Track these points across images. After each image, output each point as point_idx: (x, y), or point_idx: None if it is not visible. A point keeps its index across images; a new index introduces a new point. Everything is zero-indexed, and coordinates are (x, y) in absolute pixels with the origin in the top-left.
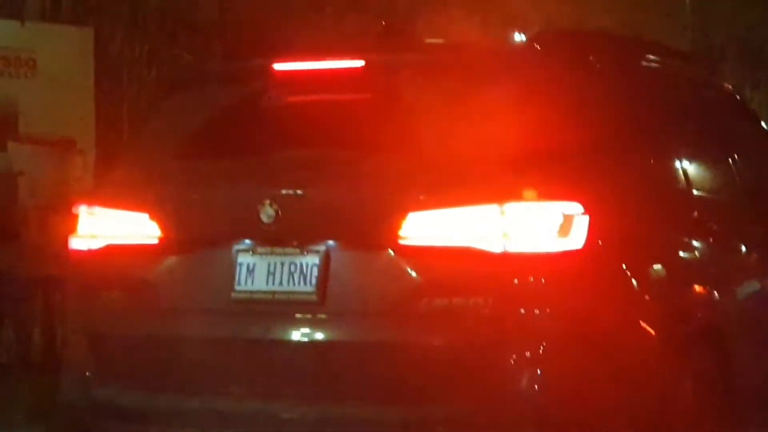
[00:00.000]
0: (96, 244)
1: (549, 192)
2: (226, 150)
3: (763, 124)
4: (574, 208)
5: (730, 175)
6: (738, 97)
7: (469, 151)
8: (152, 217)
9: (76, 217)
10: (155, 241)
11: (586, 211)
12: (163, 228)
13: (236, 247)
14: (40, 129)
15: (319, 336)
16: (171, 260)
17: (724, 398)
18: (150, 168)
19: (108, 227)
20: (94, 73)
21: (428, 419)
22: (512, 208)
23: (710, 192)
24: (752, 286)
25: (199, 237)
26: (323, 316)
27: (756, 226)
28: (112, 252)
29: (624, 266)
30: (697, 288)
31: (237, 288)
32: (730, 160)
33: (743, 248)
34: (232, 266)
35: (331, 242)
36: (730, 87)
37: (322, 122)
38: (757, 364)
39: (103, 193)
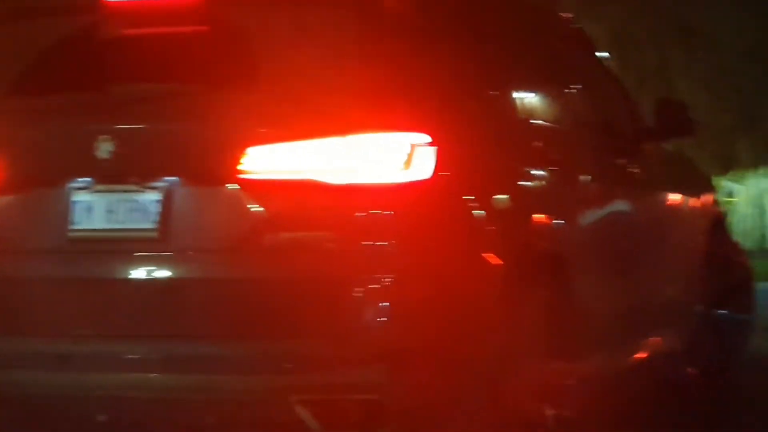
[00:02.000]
0: None
1: (394, 123)
2: (59, 85)
3: (599, 54)
4: (420, 138)
5: (571, 106)
6: (576, 27)
7: (312, 84)
8: None
9: None
10: None
11: (432, 142)
12: None
13: (72, 184)
14: None
15: (161, 274)
16: (5, 200)
17: (568, 325)
18: None
19: None
20: None
21: (275, 355)
22: (356, 139)
23: (552, 122)
24: (593, 213)
25: (34, 175)
26: (165, 253)
27: (596, 157)
28: None
29: (470, 197)
30: (541, 217)
31: (74, 227)
32: (569, 89)
33: (585, 178)
34: (68, 204)
35: (171, 178)
36: (570, 17)
37: (161, 56)
38: (599, 290)
39: None
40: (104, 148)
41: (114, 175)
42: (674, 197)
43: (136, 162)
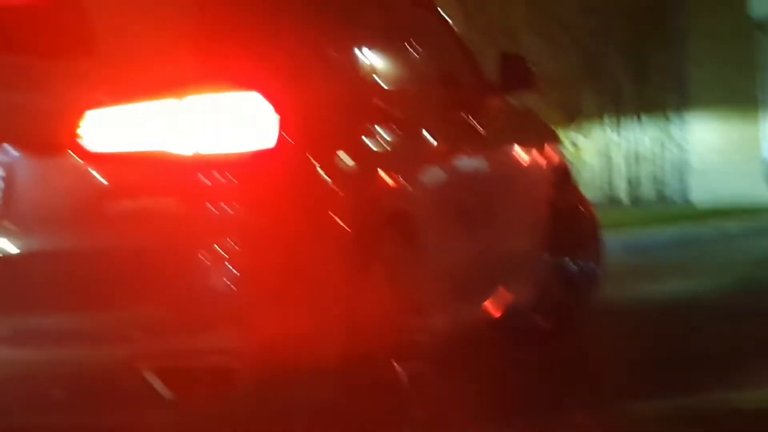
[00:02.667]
0: None
1: (230, 82)
2: None
3: (440, 12)
4: (260, 99)
5: (412, 63)
6: None
7: (146, 46)
8: None
9: None
10: None
11: (272, 102)
12: None
13: None
14: None
15: (5, 247)
16: None
17: (417, 281)
18: None
19: None
20: None
21: (125, 324)
22: (194, 101)
23: (394, 80)
24: (437, 169)
25: None
26: (8, 225)
27: (438, 112)
28: None
29: (312, 158)
30: (385, 176)
31: None
32: (410, 47)
33: (427, 134)
34: None
35: (10, 148)
36: None
37: None
38: (446, 245)
39: None
40: None
41: None
42: (518, 150)
43: None
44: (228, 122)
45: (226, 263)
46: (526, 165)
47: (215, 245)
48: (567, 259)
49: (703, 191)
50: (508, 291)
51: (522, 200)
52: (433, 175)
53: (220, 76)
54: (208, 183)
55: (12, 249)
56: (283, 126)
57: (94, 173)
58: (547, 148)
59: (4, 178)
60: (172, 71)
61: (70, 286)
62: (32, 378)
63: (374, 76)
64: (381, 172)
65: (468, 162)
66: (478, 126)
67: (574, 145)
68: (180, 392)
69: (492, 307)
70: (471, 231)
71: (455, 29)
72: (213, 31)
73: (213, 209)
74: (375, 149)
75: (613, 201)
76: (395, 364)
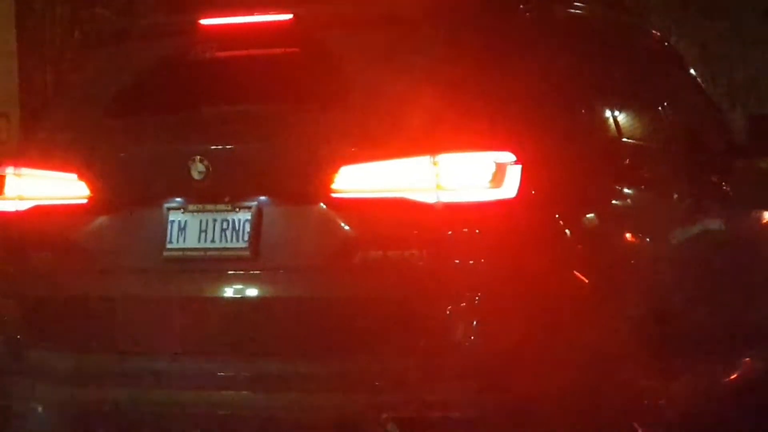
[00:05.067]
0: (24, 206)
1: (480, 142)
2: (154, 107)
3: (690, 70)
4: (506, 157)
5: (660, 122)
6: (666, 43)
7: (401, 103)
8: (80, 177)
9: (2, 179)
10: (84, 201)
11: (518, 160)
12: (92, 188)
13: (167, 204)
14: None
15: (253, 292)
16: (101, 220)
17: (659, 344)
18: (77, 128)
19: (36, 189)
20: (16, 35)
21: (365, 374)
22: (444, 159)
23: (641, 139)
24: (683, 231)
25: (129, 196)
26: (256, 272)
27: (685, 173)
28: (40, 213)
29: (557, 215)
30: (630, 237)
31: (169, 246)
32: (659, 106)
33: (674, 195)
34: (163, 224)
35: (263, 197)
36: (657, 33)
37: (252, 77)
38: (690, 311)
39: (30, 154)
40: (198, 168)
41: (207, 195)
42: (766, 214)
43: (229, 181)
44: (477, 179)
45: (470, 315)
46: None
47: (460, 296)
48: None
49: None
50: (752, 360)
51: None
52: (678, 236)
53: (475, 134)
54: (453, 233)
55: (258, 293)
56: (528, 180)
57: (344, 222)
58: None
59: (252, 221)
60: (427, 128)
61: (314, 332)
62: (275, 422)
63: (622, 133)
64: (625, 232)
65: (714, 225)
66: (725, 187)
67: None
68: None
69: (735, 376)
70: (715, 295)
71: (705, 88)
72: (464, 87)
73: (457, 260)
74: (620, 208)
75: None
76: (634, 426)
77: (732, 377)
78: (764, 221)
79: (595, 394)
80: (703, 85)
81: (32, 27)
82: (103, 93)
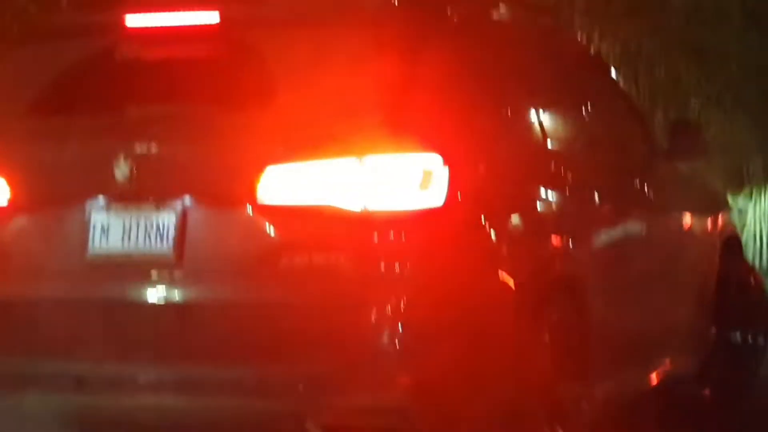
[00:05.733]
0: None
1: (408, 143)
2: (77, 106)
3: (612, 74)
4: (434, 160)
5: (584, 126)
6: (589, 48)
7: (327, 105)
8: (2, 176)
9: None
10: (4, 203)
11: (446, 162)
12: (12, 187)
13: (89, 204)
14: None
15: (177, 296)
16: (22, 221)
17: (582, 347)
18: None
19: None
20: None
21: (289, 379)
22: (371, 160)
23: (565, 143)
24: (606, 235)
25: (51, 196)
26: (180, 275)
27: (608, 177)
28: None
29: (483, 219)
30: (554, 239)
31: (91, 249)
32: (582, 111)
33: (597, 199)
34: (85, 226)
35: (187, 198)
36: (580, 38)
37: (177, 78)
38: (612, 313)
39: None
40: (122, 169)
41: (130, 195)
42: (687, 217)
43: (153, 182)
44: (404, 182)
45: (395, 321)
46: (693, 233)
47: (385, 302)
48: (734, 330)
49: None
50: (673, 361)
51: (689, 268)
52: (601, 239)
53: (401, 136)
54: (379, 241)
55: (182, 297)
56: (455, 186)
57: (269, 226)
58: (715, 216)
59: (177, 224)
60: (354, 129)
61: (238, 337)
62: (199, 427)
63: (546, 135)
64: (550, 235)
65: (636, 228)
66: (647, 191)
67: (740, 211)
68: None
69: (655, 377)
70: (637, 298)
71: (627, 92)
72: (395, 89)
73: (382, 267)
74: (545, 212)
75: None
76: (557, 431)
77: (653, 379)
78: (685, 224)
79: (520, 397)
80: (625, 86)
81: None
82: (25, 91)
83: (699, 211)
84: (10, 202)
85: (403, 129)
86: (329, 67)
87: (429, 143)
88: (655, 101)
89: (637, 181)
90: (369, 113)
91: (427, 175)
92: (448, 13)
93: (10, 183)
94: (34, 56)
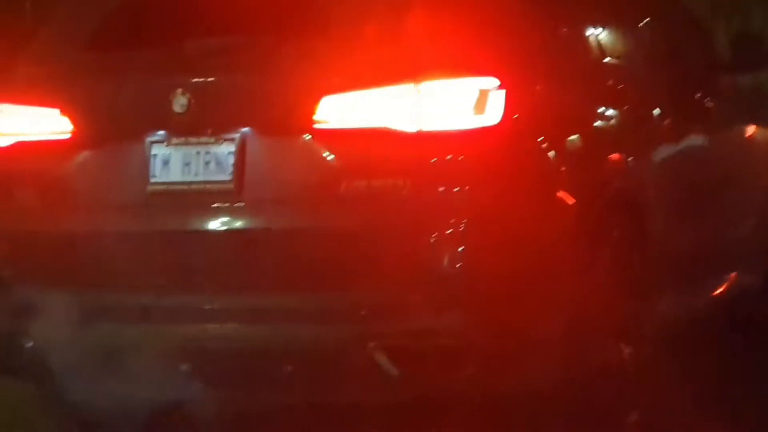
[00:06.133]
0: (4, 142)
1: (463, 68)
2: (134, 40)
3: None
4: (490, 82)
5: (642, 40)
6: None
7: (382, 32)
8: (62, 112)
9: None
10: (66, 136)
11: (502, 85)
12: (74, 122)
13: (149, 138)
14: None
15: (238, 225)
16: (84, 155)
17: (644, 263)
18: (57, 61)
19: (17, 124)
20: None
21: (352, 305)
22: (426, 86)
23: (623, 57)
24: (667, 150)
25: (111, 130)
26: (241, 204)
27: (668, 91)
28: (22, 149)
29: (541, 139)
30: (614, 156)
31: (152, 180)
32: (641, 24)
33: (657, 113)
34: (146, 158)
35: (246, 129)
36: None
37: (233, 9)
38: (674, 228)
39: (9, 89)
40: (180, 101)
41: (189, 128)
42: (751, 130)
43: (211, 114)
44: (461, 106)
45: (455, 243)
46: (757, 147)
47: (445, 224)
48: None
49: None
50: (737, 276)
51: (753, 183)
52: (661, 154)
53: (456, 60)
54: (436, 161)
55: (243, 226)
56: (512, 107)
57: (328, 153)
58: None
59: (236, 154)
60: (409, 55)
61: (299, 264)
62: (263, 353)
63: (604, 53)
64: (609, 153)
65: (698, 142)
66: (709, 104)
67: None
68: (407, 371)
69: (719, 293)
70: (701, 213)
71: (686, 3)
72: (444, 12)
73: (442, 188)
74: (603, 129)
75: None
76: (621, 347)
77: (719, 292)
78: (749, 138)
79: (581, 316)
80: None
81: None
82: (83, 26)
83: (763, 124)
84: (72, 136)
85: (458, 53)
86: None
87: (484, 66)
88: (716, 12)
89: (699, 94)
90: (424, 39)
91: (483, 98)
92: None
93: (71, 117)
94: None
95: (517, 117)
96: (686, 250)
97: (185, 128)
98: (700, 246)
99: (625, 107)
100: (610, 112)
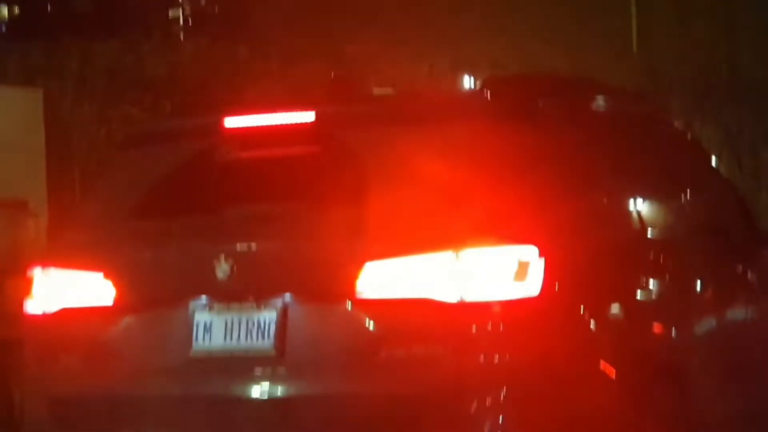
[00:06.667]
0: (51, 307)
1: (504, 237)
2: (179, 207)
3: (712, 159)
4: (530, 252)
5: (684, 213)
6: (688, 134)
7: (422, 199)
8: (107, 277)
9: (30, 279)
10: (111, 302)
11: (542, 254)
12: (118, 288)
13: (192, 304)
14: None
15: (279, 391)
16: (128, 320)
17: None
18: (103, 228)
19: (63, 289)
20: (45, 134)
21: None
22: (467, 254)
23: (665, 230)
24: (709, 322)
25: (154, 296)
26: (282, 370)
27: (710, 263)
28: (68, 314)
29: (582, 308)
30: (656, 327)
31: (195, 346)
32: (682, 197)
33: (699, 285)
34: (189, 324)
35: (287, 296)
36: (679, 124)
37: (275, 176)
38: (717, 401)
39: (57, 254)
40: (223, 268)
41: (232, 294)
42: None
43: (253, 280)
44: (501, 274)
45: (494, 412)
46: None
47: (486, 393)
48: None
49: None
50: None
51: None
52: (704, 327)
53: (496, 229)
54: (477, 331)
55: (284, 393)
56: (552, 276)
57: (369, 320)
58: None
59: (278, 320)
60: (450, 223)
61: (340, 429)
62: None
63: (644, 223)
64: (651, 324)
65: (739, 313)
66: (750, 276)
67: None
68: None
69: None
70: (742, 385)
71: (726, 177)
72: (489, 182)
73: (481, 357)
74: (646, 300)
75: None
76: None
77: None
78: None
79: None
80: (728, 169)
81: (60, 126)
82: (129, 192)
83: None
84: (116, 302)
85: (499, 222)
86: (424, 162)
87: (524, 235)
88: (759, 184)
89: (740, 266)
90: (464, 207)
91: (523, 267)
92: (541, 105)
93: (115, 283)
94: (138, 160)
95: (557, 287)
96: (728, 420)
97: (227, 294)
98: (742, 416)
99: (667, 279)
100: (652, 283)
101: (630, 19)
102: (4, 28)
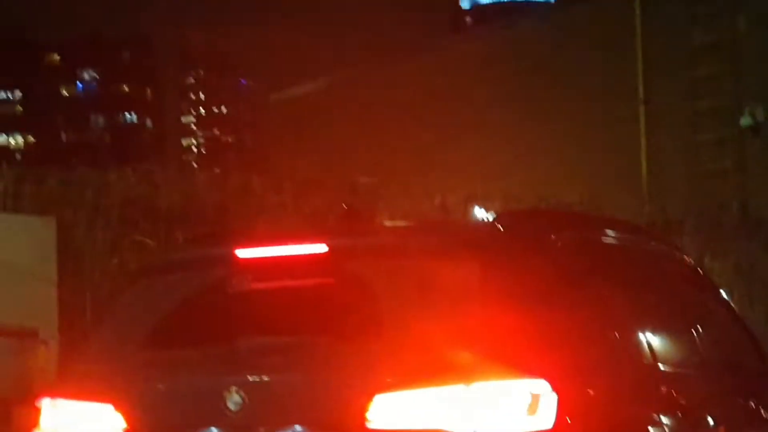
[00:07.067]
0: None
1: (514, 370)
2: (190, 338)
3: (722, 293)
4: (542, 386)
5: (694, 347)
6: (698, 268)
7: (434, 332)
8: (117, 409)
9: (38, 410)
10: None
11: (554, 388)
12: (128, 420)
13: None
14: (1, 319)
15: None
16: None
17: None
18: (114, 358)
19: (71, 420)
20: (57, 261)
21: None
22: (478, 387)
23: (675, 365)
24: None
25: (165, 428)
26: None
27: (722, 398)
28: None
29: None
30: None
31: None
32: (693, 331)
33: (711, 421)
34: None
35: (298, 428)
36: (689, 258)
37: (286, 308)
38: None
39: (67, 384)
40: (234, 399)
41: (242, 425)
42: None
43: (264, 412)
44: (512, 407)
45: None
46: None
47: None
48: None
49: None
50: None
51: None
52: None
53: (507, 362)
54: None
55: None
56: (564, 410)
57: None
58: None
59: None
60: (461, 356)
61: None
62: None
63: (656, 358)
64: None
65: None
66: (762, 413)
67: None
68: None
69: None
70: None
71: (737, 311)
72: (500, 316)
73: None
74: None
75: None
76: None
77: None
78: None
79: None
80: (739, 305)
81: (73, 254)
82: (141, 322)
83: None
84: None
85: (510, 355)
86: (435, 295)
87: (536, 369)
88: None
89: (752, 402)
90: (475, 340)
91: (535, 401)
92: (553, 239)
93: (125, 415)
94: (150, 289)
95: (570, 422)
96: None
97: (238, 426)
98: None
99: (678, 414)
100: (663, 418)
101: (639, 153)
102: (19, 156)
